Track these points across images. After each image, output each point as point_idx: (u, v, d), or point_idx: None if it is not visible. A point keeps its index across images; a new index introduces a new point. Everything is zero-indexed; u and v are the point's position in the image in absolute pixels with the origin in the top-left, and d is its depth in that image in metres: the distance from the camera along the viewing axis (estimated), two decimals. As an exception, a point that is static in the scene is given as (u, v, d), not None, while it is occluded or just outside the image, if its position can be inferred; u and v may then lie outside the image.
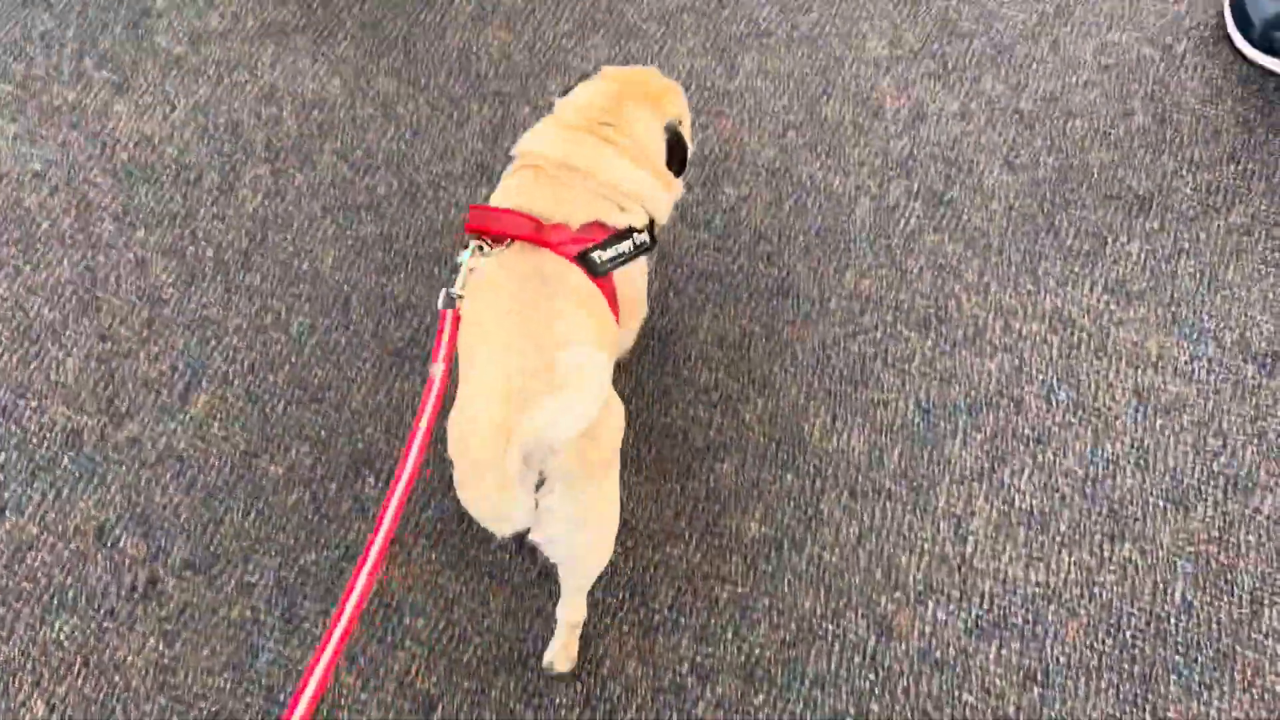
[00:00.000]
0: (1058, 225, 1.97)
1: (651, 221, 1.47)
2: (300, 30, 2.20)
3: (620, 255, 1.38)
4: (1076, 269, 1.92)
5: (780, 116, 2.09)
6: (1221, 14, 2.27)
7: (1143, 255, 1.94)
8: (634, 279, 1.50)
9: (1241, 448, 1.75)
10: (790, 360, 1.81)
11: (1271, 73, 2.19)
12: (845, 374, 1.80)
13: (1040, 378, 1.81)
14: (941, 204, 1.99)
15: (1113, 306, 1.88)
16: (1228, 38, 2.23)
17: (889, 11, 2.26)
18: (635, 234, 1.40)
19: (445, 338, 1.29)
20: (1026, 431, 1.75)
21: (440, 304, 1.31)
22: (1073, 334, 1.85)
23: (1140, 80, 2.18)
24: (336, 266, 1.89)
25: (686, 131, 1.56)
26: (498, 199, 1.41)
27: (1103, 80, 2.17)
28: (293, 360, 1.79)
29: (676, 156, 1.50)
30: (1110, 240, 1.96)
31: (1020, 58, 2.20)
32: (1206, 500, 1.70)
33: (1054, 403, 1.78)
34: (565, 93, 1.53)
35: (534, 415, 1.09)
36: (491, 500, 1.15)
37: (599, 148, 1.40)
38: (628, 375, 1.78)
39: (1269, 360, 1.83)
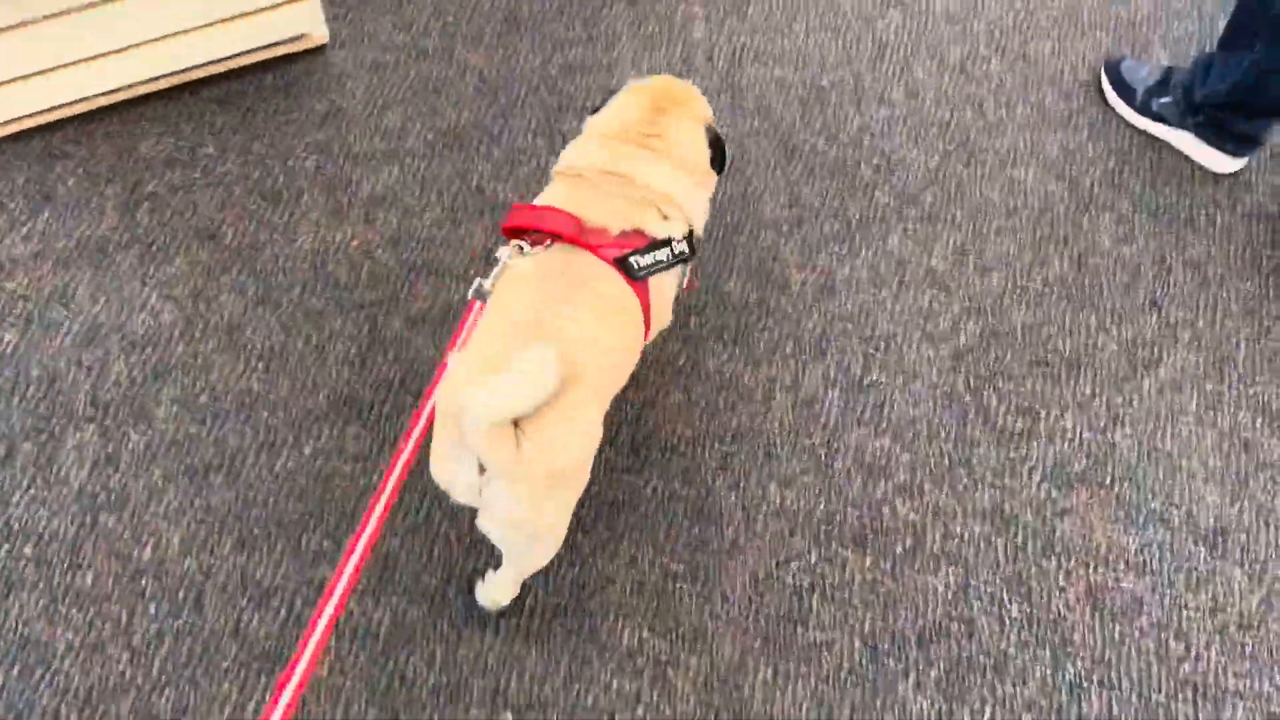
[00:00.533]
0: (986, 403, 1.83)
1: (690, 231, 1.47)
2: (124, 246, 1.91)
3: (658, 263, 1.39)
4: (1012, 454, 1.78)
5: (683, 300, 1.90)
6: (1101, 89, 2.26)
7: (1078, 429, 1.82)
8: (664, 289, 1.47)
9: (1205, 648, 1.63)
10: (720, 604, 1.62)
11: (1154, 138, 2.20)
12: (782, 612, 1.62)
13: (989, 590, 1.65)
14: (862, 390, 1.83)
15: (1054, 495, 1.75)
16: (1110, 105, 2.24)
17: (783, 163, 2.09)
18: (674, 243, 1.41)
19: (467, 326, 1.34)
20: (982, 659, 1.60)
21: (470, 293, 1.35)
22: (1017, 533, 1.71)
23: (1051, 222, 2.06)
24: (185, 550, 1.61)
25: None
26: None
27: (1013, 225, 2.05)
28: (139, 684, 1.51)
29: (718, 155, 1.55)
30: (1043, 415, 1.83)
31: (926, 207, 2.06)
32: (1177, 717, 1.57)
33: (1007, 621, 1.63)
34: (595, 111, 1.54)
35: (472, 388, 1.11)
36: (437, 453, 1.24)
37: (643, 155, 1.43)
38: (539, 652, 1.55)
39: (1218, 539, 1.72)
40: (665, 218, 1.42)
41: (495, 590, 1.53)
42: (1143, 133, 2.20)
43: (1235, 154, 2.14)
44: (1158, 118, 2.17)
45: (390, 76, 2.17)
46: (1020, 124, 2.20)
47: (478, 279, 1.35)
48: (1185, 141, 2.16)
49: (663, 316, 1.52)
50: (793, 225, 2.01)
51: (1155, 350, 1.91)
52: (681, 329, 1.87)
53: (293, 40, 2.14)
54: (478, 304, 1.35)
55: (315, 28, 2.13)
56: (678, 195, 1.44)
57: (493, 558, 1.58)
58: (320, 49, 2.19)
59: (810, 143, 2.13)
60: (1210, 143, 2.13)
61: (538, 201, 1.43)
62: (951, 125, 2.18)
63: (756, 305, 1.92)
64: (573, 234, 1.34)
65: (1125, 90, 2.21)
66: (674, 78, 1.58)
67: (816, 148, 2.13)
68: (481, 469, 1.20)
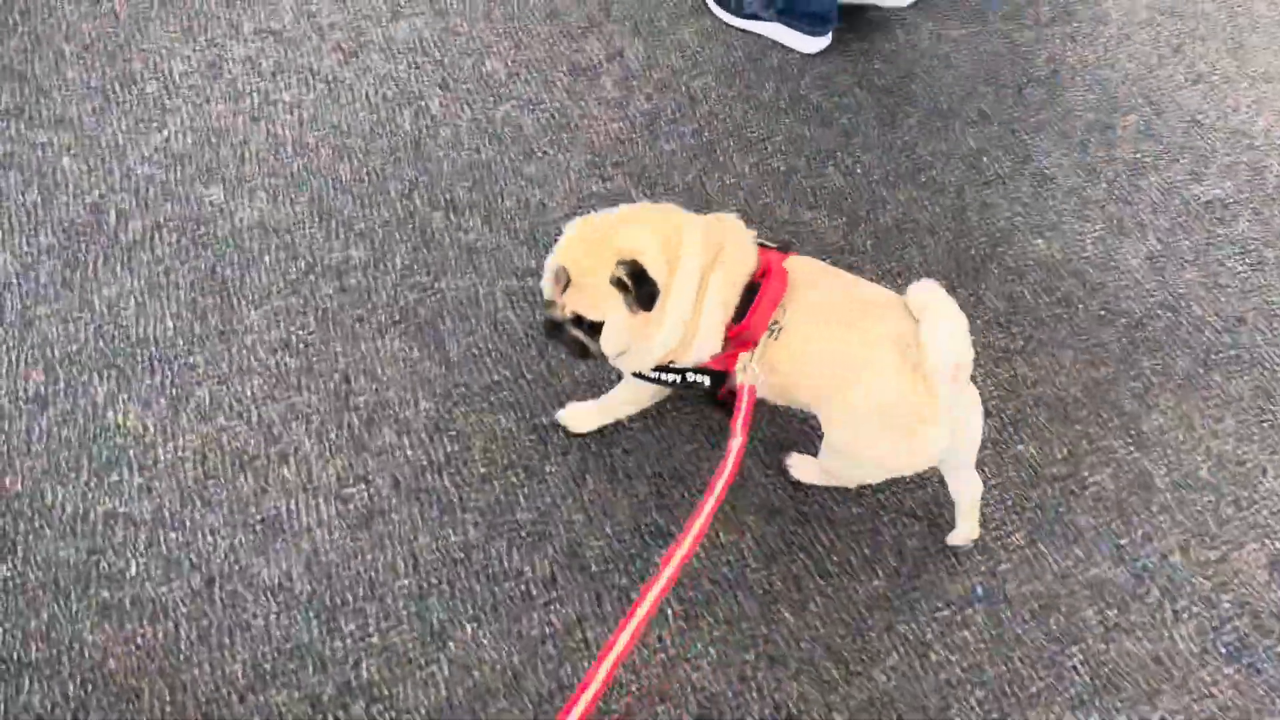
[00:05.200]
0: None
1: None
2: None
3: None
4: None
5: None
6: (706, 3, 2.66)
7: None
8: None
9: None
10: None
11: (750, 33, 2.61)
12: None
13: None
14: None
15: None
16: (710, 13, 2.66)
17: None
18: None
19: (743, 410, 1.53)
20: None
21: (740, 379, 1.57)
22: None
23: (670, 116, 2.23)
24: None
25: None
26: (721, 316, 1.59)
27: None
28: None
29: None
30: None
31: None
32: None
33: None
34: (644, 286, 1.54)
35: (956, 329, 1.48)
36: (930, 436, 1.53)
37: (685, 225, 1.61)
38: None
39: None
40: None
41: (971, 495, 1.75)
42: (746, 32, 2.61)
43: (815, 34, 2.54)
44: (751, 16, 2.58)
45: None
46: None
47: (738, 370, 1.57)
48: (778, 31, 2.57)
49: None
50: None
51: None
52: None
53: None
54: (747, 387, 1.56)
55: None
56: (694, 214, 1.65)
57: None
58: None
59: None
60: (793, 27, 2.54)
61: (720, 322, 1.58)
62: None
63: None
64: (784, 281, 1.58)
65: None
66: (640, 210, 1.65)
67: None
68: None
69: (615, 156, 2.34)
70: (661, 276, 1.51)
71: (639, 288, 1.49)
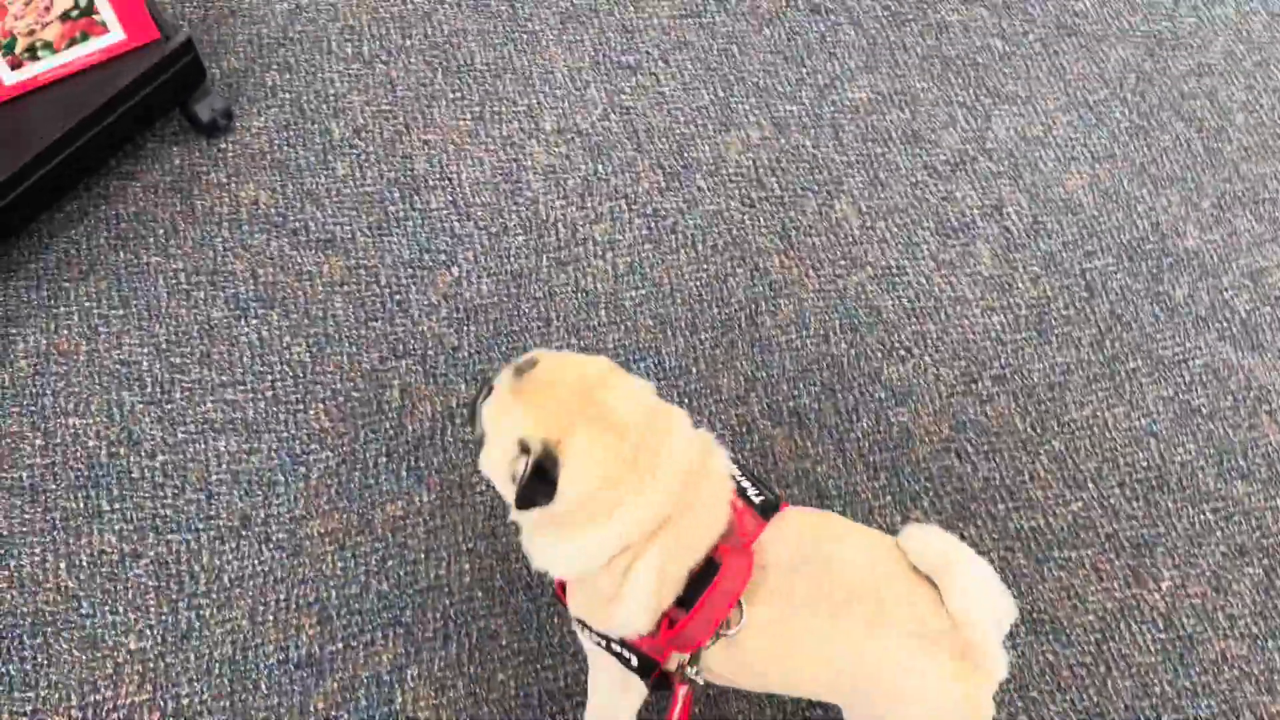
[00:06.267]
0: None
1: None
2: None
3: (750, 477, 1.24)
4: None
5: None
6: None
7: None
8: None
9: None
10: None
11: None
12: None
13: None
14: None
15: None
16: None
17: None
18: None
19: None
20: None
21: (682, 680, 1.20)
22: None
23: None
24: None
25: None
26: (665, 593, 1.17)
27: None
28: None
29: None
30: None
31: None
32: None
33: None
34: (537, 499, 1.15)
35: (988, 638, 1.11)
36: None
37: (654, 444, 1.15)
38: None
39: None
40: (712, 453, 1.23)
41: None
42: None
43: None
44: None
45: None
46: None
47: (684, 672, 1.20)
48: None
49: None
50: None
51: None
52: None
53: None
54: (682, 692, 1.20)
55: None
56: (692, 433, 1.22)
57: None
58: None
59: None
60: None
61: (660, 598, 1.17)
62: None
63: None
64: (746, 555, 1.17)
65: None
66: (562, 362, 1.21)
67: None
68: None
69: (995, 365, 1.86)
70: (592, 475, 1.12)
71: (532, 479, 1.11)
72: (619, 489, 1.12)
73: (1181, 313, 1.94)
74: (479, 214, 1.89)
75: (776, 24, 2.15)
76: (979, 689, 1.14)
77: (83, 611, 1.52)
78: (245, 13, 2.04)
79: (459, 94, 2.01)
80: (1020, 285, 1.94)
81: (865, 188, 2.00)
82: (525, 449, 1.11)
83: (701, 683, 1.22)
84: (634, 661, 1.22)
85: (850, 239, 1.95)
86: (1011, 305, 1.92)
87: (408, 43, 2.05)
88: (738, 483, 1.21)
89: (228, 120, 1.88)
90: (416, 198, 1.90)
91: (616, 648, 1.22)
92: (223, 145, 1.90)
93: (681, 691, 1.20)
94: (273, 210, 1.85)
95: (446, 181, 1.92)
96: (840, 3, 2.21)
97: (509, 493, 1.16)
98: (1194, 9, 2.34)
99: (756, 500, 1.20)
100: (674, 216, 1.93)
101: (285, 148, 1.91)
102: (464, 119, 1.98)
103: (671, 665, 1.22)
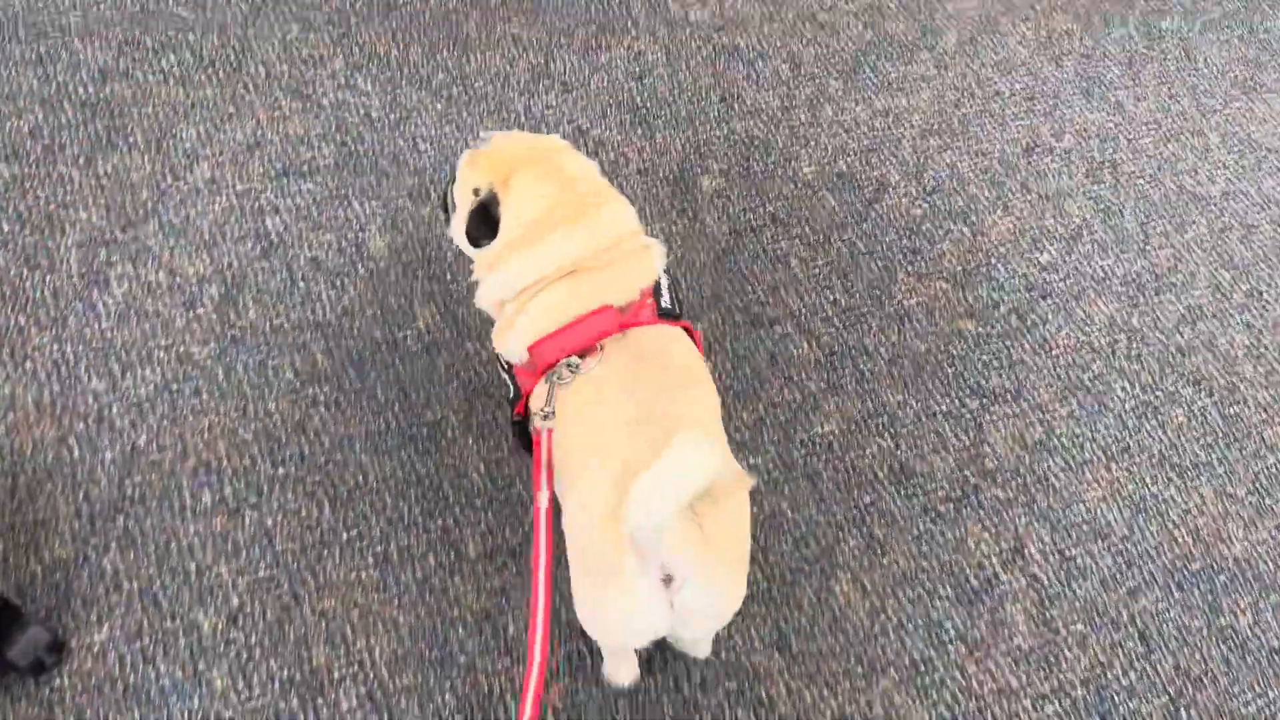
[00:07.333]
0: None
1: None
2: None
3: (672, 290, 1.34)
4: None
5: None
6: None
7: None
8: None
9: None
10: None
11: None
12: None
13: None
14: None
15: None
16: None
17: None
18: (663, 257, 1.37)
19: (543, 459, 1.23)
20: None
21: (535, 424, 1.27)
22: None
23: None
24: None
25: None
26: (543, 322, 1.28)
27: None
28: None
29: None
30: None
31: None
32: None
33: None
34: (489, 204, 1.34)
35: (633, 492, 1.03)
36: (619, 606, 1.13)
37: (593, 213, 1.31)
38: None
39: None
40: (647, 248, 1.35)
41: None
42: None
43: None
44: None
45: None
46: None
47: (531, 405, 1.30)
48: None
49: None
50: None
51: None
52: None
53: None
54: (545, 432, 1.25)
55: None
56: (636, 223, 1.35)
57: None
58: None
59: None
60: None
61: (538, 325, 1.28)
62: None
63: None
64: (618, 324, 1.27)
65: None
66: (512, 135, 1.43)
67: None
68: (667, 580, 1.11)
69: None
70: (531, 209, 1.30)
71: (477, 218, 1.33)
72: (554, 223, 1.27)
73: (1252, 648, 1.66)
74: None
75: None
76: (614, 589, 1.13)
77: None
78: (64, 472, 1.61)
79: (356, 531, 1.61)
80: (1067, 654, 1.62)
81: (862, 554, 1.67)
82: (476, 194, 1.32)
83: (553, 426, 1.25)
84: (510, 389, 1.37)
85: (861, 634, 1.61)
86: (1064, 686, 1.60)
87: (279, 471, 1.65)
88: (658, 281, 1.31)
89: (57, 655, 1.45)
90: (321, 700, 1.48)
91: (505, 375, 1.38)
92: (56, 683, 1.46)
93: (543, 433, 1.25)
94: (136, 767, 1.42)
95: (357, 668, 1.51)
96: (785, 311, 1.90)
97: (469, 246, 1.35)
98: (1165, 237, 2.11)
99: (664, 304, 1.31)
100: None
101: (141, 664, 1.48)
102: (367, 565, 1.59)
103: (535, 408, 1.28)
